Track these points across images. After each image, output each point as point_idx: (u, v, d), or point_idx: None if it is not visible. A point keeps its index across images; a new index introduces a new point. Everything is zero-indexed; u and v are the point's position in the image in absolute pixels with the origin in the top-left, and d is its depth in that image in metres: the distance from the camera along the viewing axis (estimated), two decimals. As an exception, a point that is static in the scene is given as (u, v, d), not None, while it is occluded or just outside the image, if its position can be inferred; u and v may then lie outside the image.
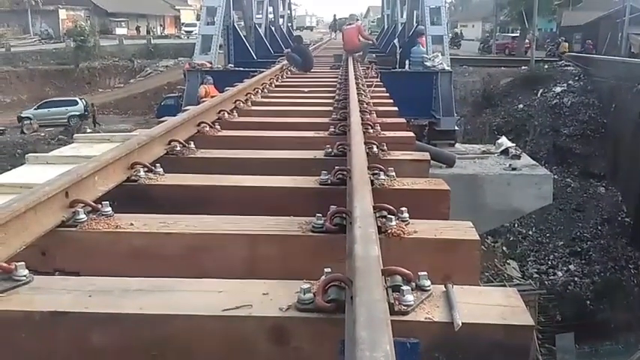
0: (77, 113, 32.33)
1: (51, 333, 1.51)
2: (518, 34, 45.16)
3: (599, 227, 21.48)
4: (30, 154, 3.71)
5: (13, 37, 47.35)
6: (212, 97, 9.39)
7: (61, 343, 1.52)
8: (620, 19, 37.16)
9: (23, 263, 1.69)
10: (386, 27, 30.43)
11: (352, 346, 1.12)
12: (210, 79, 11.93)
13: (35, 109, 32.37)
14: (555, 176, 17.68)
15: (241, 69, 13.04)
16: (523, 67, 31.91)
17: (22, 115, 31.87)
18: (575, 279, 19.35)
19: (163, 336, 1.50)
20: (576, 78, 27.76)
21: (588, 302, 18.18)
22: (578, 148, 24.17)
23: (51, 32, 50.62)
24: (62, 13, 51.94)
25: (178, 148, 3.55)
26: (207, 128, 4.35)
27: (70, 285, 1.67)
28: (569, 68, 29.84)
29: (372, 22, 70.69)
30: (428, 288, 1.55)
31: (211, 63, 13.75)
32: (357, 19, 23.84)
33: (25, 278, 1.66)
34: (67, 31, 47.41)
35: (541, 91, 27.42)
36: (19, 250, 1.91)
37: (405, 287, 1.49)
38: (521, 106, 27.19)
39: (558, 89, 26.97)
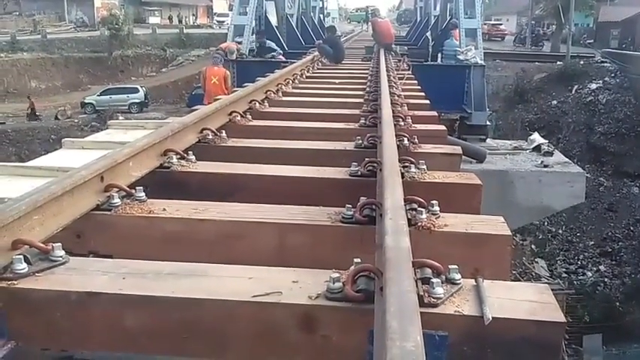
0: (137, 100, 33.02)
1: (86, 313, 1.55)
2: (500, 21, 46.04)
3: (632, 228, 21.05)
4: (66, 139, 3.79)
5: (49, 24, 48.24)
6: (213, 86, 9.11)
7: (96, 322, 1.55)
8: (661, 15, 36.20)
9: (60, 244, 1.73)
10: (418, 19, 30.18)
11: (382, 336, 1.13)
12: (218, 57, 10.65)
13: (98, 95, 33.23)
14: (588, 175, 17.36)
15: (272, 59, 13.09)
16: (558, 63, 31.31)
17: (86, 101, 32.73)
18: (605, 280, 19.03)
19: (194, 319, 1.52)
20: (612, 75, 27.10)
21: (617, 304, 17.85)
22: (613, 146, 23.64)
23: (86, 20, 51.36)
24: (97, 2, 52.64)
25: (210, 137, 3.58)
26: (239, 118, 4.38)
27: (104, 267, 1.71)
28: (605, 65, 29.17)
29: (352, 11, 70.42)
30: (458, 281, 1.54)
31: (240, 43, 13.68)
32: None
33: (61, 259, 1.70)
34: (101, 20, 48.05)
35: (576, 87, 26.88)
36: (55, 232, 1.95)
37: (434, 280, 1.48)
38: (554, 102, 26.71)
39: (594, 86, 26.39)
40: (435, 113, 5.12)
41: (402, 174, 2.59)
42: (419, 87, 7.24)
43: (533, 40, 45.00)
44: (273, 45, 14.07)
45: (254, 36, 14.41)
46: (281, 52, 13.89)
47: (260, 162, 3.09)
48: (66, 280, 1.61)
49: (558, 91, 27.23)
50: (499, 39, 44.92)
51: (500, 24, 48.88)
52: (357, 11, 73.16)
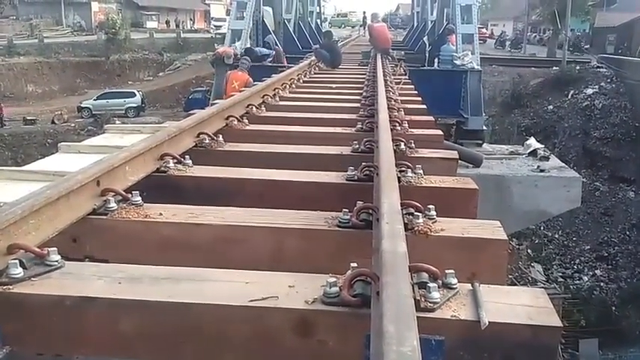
0: (134, 105, 33.05)
1: (81, 317, 1.54)
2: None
3: (628, 232, 21.11)
4: (62, 143, 3.77)
5: (46, 28, 48.17)
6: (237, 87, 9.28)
7: (91, 327, 1.55)
8: (656, 20, 36.33)
9: (55, 249, 1.73)
10: (415, 25, 30.24)
11: (379, 341, 1.12)
12: (245, 64, 10.77)
13: (95, 99, 33.34)
14: (584, 179, 17.38)
15: (269, 64, 13.08)
16: (554, 68, 31.42)
17: (82, 106, 32.80)
18: (601, 284, 19.07)
19: (191, 324, 1.52)
20: (608, 80, 27.21)
21: (614, 308, 17.89)
22: (609, 151, 23.73)
23: (83, 24, 51.36)
24: (95, 6, 52.64)
25: (207, 141, 3.57)
26: (236, 122, 4.38)
27: (100, 271, 1.70)
28: (601, 70, 29.28)
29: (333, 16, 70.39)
30: (454, 286, 1.53)
31: (236, 48, 13.67)
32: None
33: (57, 263, 1.70)
34: (98, 24, 48.14)
35: (572, 92, 26.97)
36: (51, 236, 1.95)
37: (431, 284, 1.48)
38: (550, 107, 26.79)
39: (590, 91, 26.49)
40: (431, 118, 5.13)
41: (399, 178, 2.60)
42: (415, 92, 7.25)
43: (513, 44, 47.84)
44: (264, 50, 14.00)
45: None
46: (273, 52, 13.80)
47: (257, 166, 3.08)
48: (61, 285, 1.60)
49: (554, 96, 27.32)
50: (481, 42, 45.89)
51: (482, 27, 50.25)
52: (337, 16, 73.28)
